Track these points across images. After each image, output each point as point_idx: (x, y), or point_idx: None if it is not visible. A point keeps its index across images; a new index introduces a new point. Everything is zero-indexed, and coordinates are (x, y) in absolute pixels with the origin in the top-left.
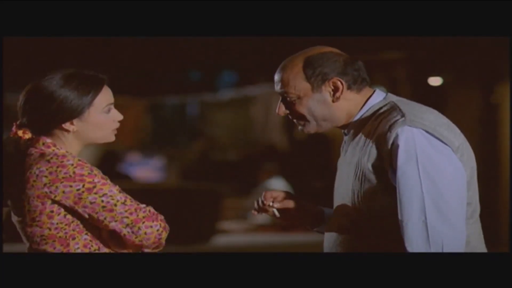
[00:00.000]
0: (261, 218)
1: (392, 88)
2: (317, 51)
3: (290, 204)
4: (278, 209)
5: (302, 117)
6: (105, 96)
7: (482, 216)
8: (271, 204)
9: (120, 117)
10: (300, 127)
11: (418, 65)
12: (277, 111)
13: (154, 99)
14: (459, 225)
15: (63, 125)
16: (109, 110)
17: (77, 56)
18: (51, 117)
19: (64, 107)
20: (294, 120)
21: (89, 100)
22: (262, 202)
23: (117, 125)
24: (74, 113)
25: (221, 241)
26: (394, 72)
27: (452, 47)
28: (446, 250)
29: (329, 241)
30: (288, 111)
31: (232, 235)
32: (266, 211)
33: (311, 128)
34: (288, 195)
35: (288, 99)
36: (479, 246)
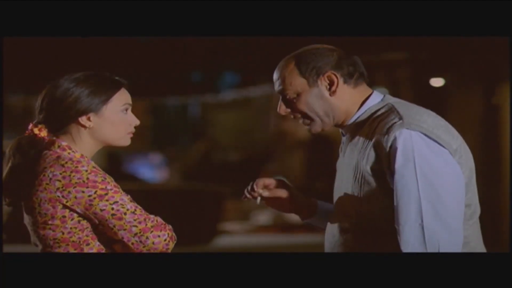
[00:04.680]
0: (263, 219)
1: (393, 89)
2: (310, 47)
3: (281, 193)
4: (268, 197)
5: (304, 114)
6: (123, 95)
7: (483, 217)
8: (260, 191)
9: (136, 121)
10: (307, 127)
11: (420, 66)
12: (278, 110)
13: (156, 100)
14: (456, 228)
15: (80, 120)
16: (126, 110)
17: (77, 56)
18: (68, 110)
19: (81, 100)
20: (300, 121)
21: (107, 95)
22: (253, 188)
23: (133, 129)
24: (91, 106)
25: (223, 241)
26: (396, 73)
27: (454, 48)
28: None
29: (330, 242)
30: (289, 110)
31: (234, 236)
32: (255, 197)
33: (317, 126)
34: (280, 184)
35: (287, 97)
36: (478, 247)
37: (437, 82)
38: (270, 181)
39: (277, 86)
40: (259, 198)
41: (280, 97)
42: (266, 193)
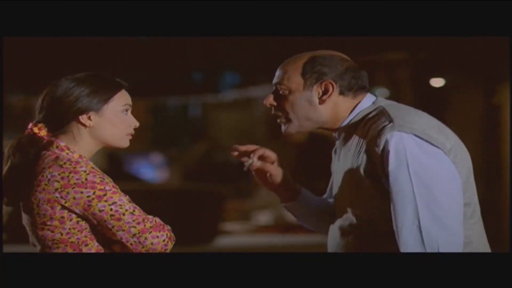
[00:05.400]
0: (264, 219)
1: (394, 89)
2: (325, 53)
3: (271, 169)
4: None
5: (285, 113)
6: (124, 96)
7: (483, 217)
8: (255, 160)
9: (136, 123)
10: (282, 127)
11: (421, 66)
12: (264, 101)
13: (156, 100)
14: (454, 228)
15: (81, 118)
16: (126, 111)
17: (78, 56)
18: (68, 108)
19: (81, 100)
20: (278, 120)
21: (108, 95)
22: (251, 152)
23: (132, 131)
24: (91, 105)
25: (223, 242)
26: (396, 73)
27: (455, 48)
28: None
29: (332, 244)
30: (274, 103)
31: (235, 236)
32: (245, 160)
33: (293, 128)
34: (277, 161)
35: (280, 91)
36: (482, 246)
37: (437, 82)
38: (270, 154)
39: (276, 76)
40: (248, 164)
41: (273, 89)
42: (258, 163)
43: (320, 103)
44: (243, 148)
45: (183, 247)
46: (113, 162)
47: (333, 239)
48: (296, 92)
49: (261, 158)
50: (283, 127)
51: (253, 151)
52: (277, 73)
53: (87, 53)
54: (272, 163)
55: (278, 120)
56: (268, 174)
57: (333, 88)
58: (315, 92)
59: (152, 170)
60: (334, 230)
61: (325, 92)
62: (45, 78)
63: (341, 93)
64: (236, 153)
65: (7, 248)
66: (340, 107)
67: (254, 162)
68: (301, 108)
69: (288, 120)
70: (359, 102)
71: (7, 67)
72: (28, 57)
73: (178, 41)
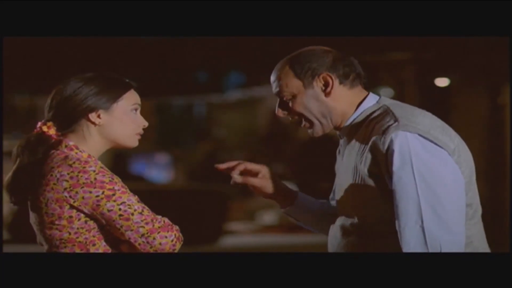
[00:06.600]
0: (268, 219)
1: (399, 89)
2: (305, 49)
3: (255, 182)
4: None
5: (301, 116)
6: (133, 96)
7: (485, 216)
8: (235, 177)
9: (145, 123)
10: (309, 131)
11: (425, 66)
12: (276, 112)
13: (161, 100)
14: (457, 228)
15: (90, 116)
16: (135, 110)
17: (81, 56)
18: (77, 107)
19: (90, 98)
20: (301, 124)
21: (117, 94)
22: (233, 167)
23: (141, 130)
24: (100, 103)
25: (228, 241)
26: (401, 73)
27: (459, 48)
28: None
29: (333, 244)
30: (286, 112)
31: (239, 236)
32: (229, 172)
33: (317, 129)
34: (263, 172)
35: (284, 98)
36: (482, 246)
37: (442, 82)
38: (252, 167)
39: (274, 88)
40: (232, 180)
41: (278, 100)
42: (239, 179)
43: (326, 96)
44: (223, 166)
45: (187, 247)
46: (118, 162)
47: (334, 239)
48: (299, 94)
49: (244, 172)
50: (309, 131)
51: (234, 167)
52: (273, 84)
53: (90, 53)
54: (256, 175)
55: (302, 125)
56: (253, 187)
57: (331, 78)
58: (317, 87)
59: (156, 170)
60: (335, 229)
61: (326, 84)
62: (45, 78)
63: (341, 82)
64: (219, 169)
65: (7, 248)
66: (344, 99)
67: (234, 178)
68: (312, 106)
69: (309, 122)
70: (362, 100)
71: (7, 67)
72: (28, 57)
73: (182, 41)
